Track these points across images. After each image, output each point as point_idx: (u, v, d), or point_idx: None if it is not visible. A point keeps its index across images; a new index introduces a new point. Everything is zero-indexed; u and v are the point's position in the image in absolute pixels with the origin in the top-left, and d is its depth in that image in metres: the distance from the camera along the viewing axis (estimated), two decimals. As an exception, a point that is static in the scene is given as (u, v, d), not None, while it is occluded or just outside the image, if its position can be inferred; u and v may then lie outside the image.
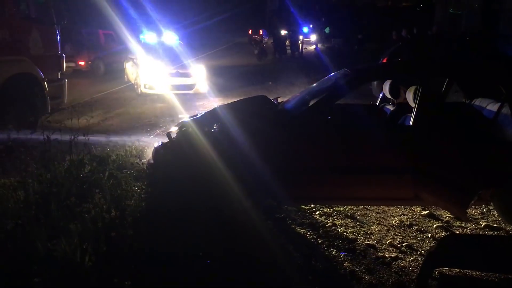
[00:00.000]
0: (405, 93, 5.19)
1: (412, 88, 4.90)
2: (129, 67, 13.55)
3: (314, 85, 5.52)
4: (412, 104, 4.73)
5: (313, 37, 33.49)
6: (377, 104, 5.97)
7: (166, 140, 4.96)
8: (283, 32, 27.54)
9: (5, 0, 7.36)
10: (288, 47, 25.62)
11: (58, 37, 8.66)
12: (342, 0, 46.11)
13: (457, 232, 4.74)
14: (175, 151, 4.68)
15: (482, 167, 4.12)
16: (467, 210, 4.75)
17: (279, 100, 5.61)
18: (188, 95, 12.44)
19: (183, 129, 4.95)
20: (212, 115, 5.17)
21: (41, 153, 4.31)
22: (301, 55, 26.19)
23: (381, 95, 5.93)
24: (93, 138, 7.40)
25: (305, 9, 39.39)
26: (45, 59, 8.28)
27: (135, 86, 12.72)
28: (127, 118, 10.20)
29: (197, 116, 5.29)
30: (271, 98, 5.66)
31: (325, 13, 43.33)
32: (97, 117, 9.75)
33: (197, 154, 4.50)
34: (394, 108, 5.52)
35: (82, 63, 16.88)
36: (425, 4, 44.75)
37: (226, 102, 8.73)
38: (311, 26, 34.61)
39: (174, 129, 5.09)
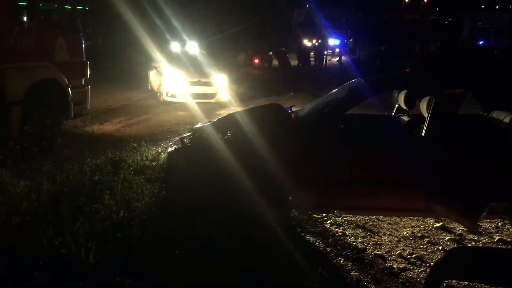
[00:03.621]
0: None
1: (426, 99, 4.87)
2: (152, 75, 13.79)
3: (327, 94, 5.54)
4: (426, 115, 4.71)
5: (338, 49, 33.44)
6: (393, 114, 5.94)
7: (180, 145, 5.05)
8: (308, 44, 27.57)
9: (32, 8, 7.60)
10: (312, 59, 25.65)
11: (83, 45, 8.88)
12: (369, 12, 46.04)
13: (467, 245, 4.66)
14: (188, 156, 4.76)
15: (493, 180, 4.07)
16: (479, 223, 4.70)
17: (293, 109, 5.64)
18: (209, 104, 12.58)
19: (197, 135, 5.03)
20: (225, 121, 5.24)
21: (56, 154, 4.43)
22: (325, 66, 26.19)
23: (396, 105, 5.90)
24: (113, 142, 7.60)
25: (331, 21, 39.40)
26: (70, 65, 8.47)
27: (158, 94, 12.94)
28: (148, 125, 10.36)
29: (211, 122, 5.36)
30: (285, 107, 5.70)
31: (351, 25, 43.29)
32: (119, 124, 9.95)
33: (210, 159, 4.56)
34: (409, 118, 5.49)
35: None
36: (454, 18, 44.29)
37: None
38: (336, 38, 34.54)
39: (188, 135, 5.18)
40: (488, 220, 5.08)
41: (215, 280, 3.40)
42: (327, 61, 29.18)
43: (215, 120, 5.62)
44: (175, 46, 14.60)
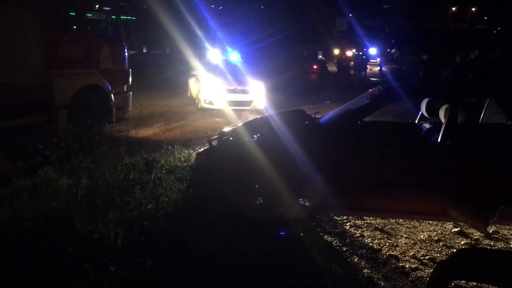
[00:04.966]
0: None
1: (444, 107, 5.03)
2: (192, 83, 14.31)
3: (350, 101, 5.75)
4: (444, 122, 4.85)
5: (378, 59, 33.26)
6: (416, 122, 6.09)
7: (208, 147, 5.39)
8: (349, 53, 27.66)
9: (80, 18, 8.20)
10: (352, 68, 25.69)
11: (126, 53, 9.43)
12: (412, 21, 45.48)
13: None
14: (215, 157, 5.08)
15: (504, 185, 4.19)
16: (494, 228, 4.80)
17: (318, 115, 5.89)
18: (245, 111, 12.92)
19: (224, 137, 5.36)
20: (252, 125, 5.54)
21: (96, 154, 4.86)
22: (365, 76, 26.17)
23: (420, 113, 6.05)
24: (150, 145, 8.04)
25: (374, 31, 39.23)
26: (113, 73, 9.02)
27: (196, 101, 13.42)
28: (186, 130, 10.78)
29: (238, 125, 5.69)
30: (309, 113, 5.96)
31: (394, 34, 42.93)
32: (158, 128, 10.47)
33: (236, 160, 4.87)
34: (430, 126, 5.63)
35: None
36: (503, 27, 43.08)
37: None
38: (378, 47, 34.39)
39: (216, 137, 5.51)
40: (507, 227, 5.16)
41: (229, 272, 3.69)
42: (367, 70, 29.16)
43: (242, 123, 5.93)
44: (214, 55, 15.09)
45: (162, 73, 20.27)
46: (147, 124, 10.90)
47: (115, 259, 3.29)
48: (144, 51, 30.83)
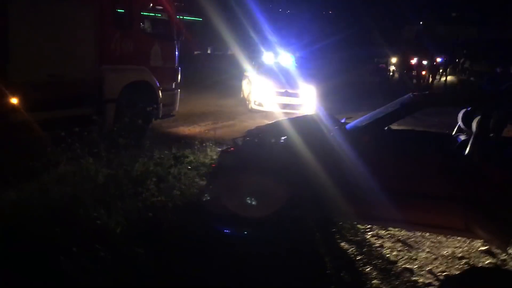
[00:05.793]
0: None
1: (477, 118, 4.78)
2: (244, 84, 14.50)
3: (380, 108, 5.60)
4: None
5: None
6: (453, 133, 5.83)
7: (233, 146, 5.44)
8: (413, 62, 26.83)
9: (133, 16, 8.53)
10: (415, 76, 24.87)
11: (176, 52, 9.70)
12: (484, 30, 43.33)
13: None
14: (237, 157, 5.12)
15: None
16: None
17: (348, 120, 5.78)
18: (295, 115, 12.88)
19: (248, 138, 5.39)
20: (276, 127, 5.53)
21: (117, 145, 5.06)
22: (428, 84, 25.25)
23: (458, 124, 5.79)
24: (193, 142, 8.22)
25: (443, 39, 37.80)
26: (163, 70, 9.31)
27: (247, 102, 13.57)
28: (232, 130, 10.92)
29: (264, 125, 5.71)
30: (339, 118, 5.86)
31: (465, 43, 41.12)
32: (205, 127, 10.71)
33: (258, 161, 4.88)
34: (466, 137, 5.38)
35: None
36: None
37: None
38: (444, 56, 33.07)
39: (241, 137, 5.55)
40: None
41: (230, 271, 3.72)
42: (434, 80, 28.05)
43: (269, 123, 5.92)
44: (268, 57, 15.18)
45: (221, 73, 20.67)
46: (195, 122, 11.22)
47: (111, 244, 3.43)
48: (209, 52, 31.42)
